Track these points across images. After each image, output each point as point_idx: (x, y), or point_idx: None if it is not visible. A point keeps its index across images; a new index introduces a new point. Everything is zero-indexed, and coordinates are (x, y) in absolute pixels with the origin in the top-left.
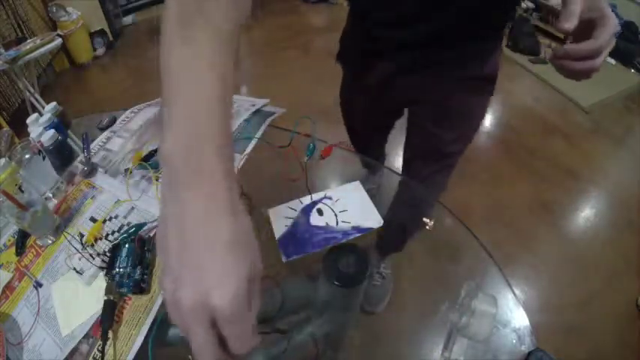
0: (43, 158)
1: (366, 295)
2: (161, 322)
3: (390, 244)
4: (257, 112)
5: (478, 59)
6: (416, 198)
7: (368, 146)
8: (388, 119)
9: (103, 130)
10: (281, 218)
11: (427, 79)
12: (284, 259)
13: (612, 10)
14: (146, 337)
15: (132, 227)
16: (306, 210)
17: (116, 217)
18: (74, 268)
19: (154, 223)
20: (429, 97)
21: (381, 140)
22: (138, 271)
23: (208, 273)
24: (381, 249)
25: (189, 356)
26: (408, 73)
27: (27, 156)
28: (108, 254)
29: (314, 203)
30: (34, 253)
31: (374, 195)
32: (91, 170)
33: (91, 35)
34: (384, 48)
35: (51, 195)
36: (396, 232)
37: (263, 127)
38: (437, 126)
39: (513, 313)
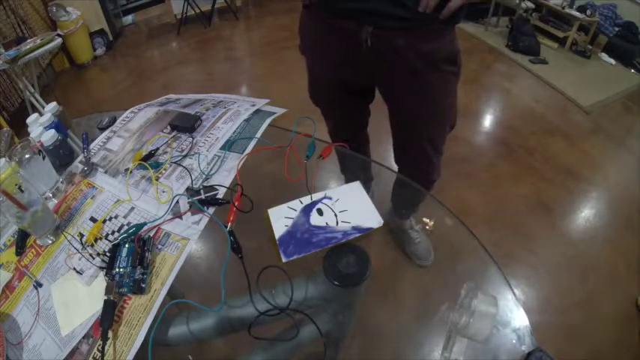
0: (43, 158)
1: (414, 253)
2: (161, 322)
3: (406, 211)
4: (257, 112)
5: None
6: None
7: (350, 133)
8: (361, 98)
9: (103, 130)
10: (281, 218)
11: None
12: (284, 259)
13: (612, 10)
14: (146, 337)
15: (132, 227)
16: (306, 210)
17: (116, 217)
18: (74, 268)
19: (154, 223)
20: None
21: (360, 124)
22: (138, 271)
23: None
24: (401, 215)
25: (189, 356)
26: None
27: (27, 156)
28: (108, 254)
29: (314, 203)
30: (34, 253)
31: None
32: (91, 170)
33: (91, 35)
34: (351, 16)
35: (51, 195)
36: (405, 204)
37: (263, 127)
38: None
39: (513, 313)
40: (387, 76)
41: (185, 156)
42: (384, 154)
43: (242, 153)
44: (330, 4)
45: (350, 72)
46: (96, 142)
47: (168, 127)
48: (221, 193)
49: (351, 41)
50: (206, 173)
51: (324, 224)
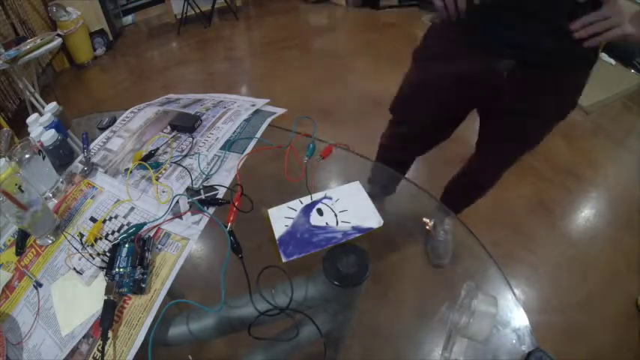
0: (43, 158)
1: (433, 250)
2: (161, 322)
3: (452, 207)
4: (257, 112)
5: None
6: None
7: (414, 150)
8: (454, 119)
9: (103, 130)
10: (281, 218)
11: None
12: (284, 259)
13: None
14: (146, 337)
15: (132, 227)
16: (306, 210)
17: (116, 217)
18: (74, 268)
19: (154, 223)
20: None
21: (427, 148)
22: (138, 271)
23: None
24: (443, 210)
25: (189, 356)
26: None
27: (27, 156)
28: (108, 254)
29: (314, 203)
30: (34, 253)
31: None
32: (91, 170)
33: (91, 35)
34: (496, 45)
35: (51, 195)
36: (455, 201)
37: (263, 127)
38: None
39: (513, 313)
40: (500, 111)
41: (185, 156)
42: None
43: (242, 153)
44: (470, 34)
45: (465, 98)
46: (96, 142)
47: (169, 127)
48: (221, 193)
49: (484, 71)
50: (206, 173)
51: (324, 224)
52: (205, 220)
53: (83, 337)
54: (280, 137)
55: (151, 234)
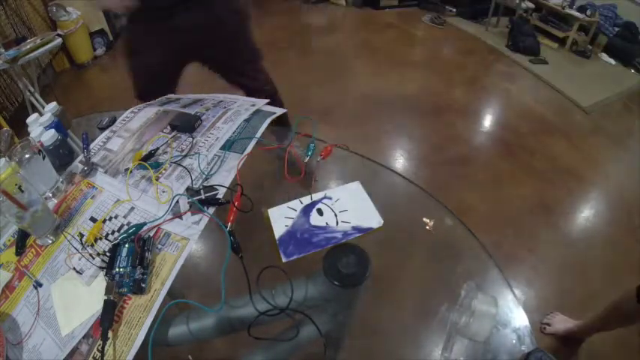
0: (43, 158)
1: None
2: (161, 322)
3: None
4: (257, 112)
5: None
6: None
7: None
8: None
9: (103, 130)
10: (281, 218)
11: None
12: (284, 259)
13: (612, 10)
14: (146, 337)
15: (132, 227)
16: (306, 210)
17: (116, 217)
18: (74, 268)
19: (154, 223)
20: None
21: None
22: (138, 271)
23: None
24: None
25: (189, 356)
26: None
27: (27, 156)
28: (108, 254)
29: (314, 203)
30: (34, 252)
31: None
32: (91, 170)
33: (91, 35)
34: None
35: (51, 195)
36: None
37: (263, 127)
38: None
39: (513, 314)
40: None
41: (185, 156)
42: (384, 153)
43: (242, 153)
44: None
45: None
46: (96, 142)
47: (168, 127)
48: (221, 193)
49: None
50: (206, 173)
51: (324, 224)
52: (205, 220)
53: (83, 337)
54: (280, 137)
55: (151, 234)
